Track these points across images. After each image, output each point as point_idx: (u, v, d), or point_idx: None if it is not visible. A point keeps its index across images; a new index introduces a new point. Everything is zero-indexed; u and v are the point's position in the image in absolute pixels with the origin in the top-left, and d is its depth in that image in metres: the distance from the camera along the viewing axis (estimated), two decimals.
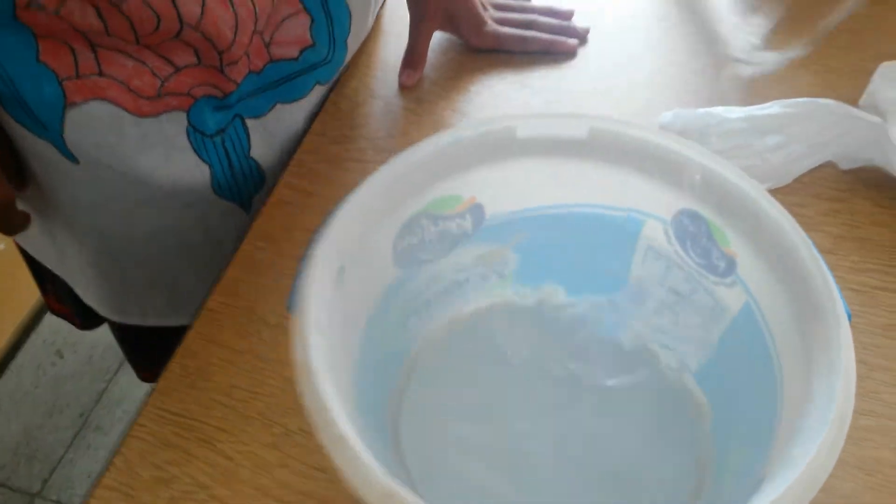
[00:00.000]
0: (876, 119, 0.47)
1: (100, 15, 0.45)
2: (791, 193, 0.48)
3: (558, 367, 0.38)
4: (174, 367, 0.42)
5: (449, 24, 0.57)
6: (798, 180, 0.48)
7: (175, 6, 0.44)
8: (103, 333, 0.76)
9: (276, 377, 0.41)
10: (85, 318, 0.71)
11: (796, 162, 0.48)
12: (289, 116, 0.54)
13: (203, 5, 0.45)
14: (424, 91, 0.55)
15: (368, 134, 0.53)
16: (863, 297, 0.43)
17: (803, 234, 0.30)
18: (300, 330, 0.27)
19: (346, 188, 0.48)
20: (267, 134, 0.54)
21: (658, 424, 0.36)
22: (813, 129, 0.48)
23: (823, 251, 0.31)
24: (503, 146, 0.34)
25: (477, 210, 0.36)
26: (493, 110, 0.53)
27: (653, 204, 0.35)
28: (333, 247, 0.30)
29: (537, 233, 0.37)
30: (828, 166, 0.48)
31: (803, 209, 0.47)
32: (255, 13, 0.47)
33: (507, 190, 0.36)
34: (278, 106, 0.53)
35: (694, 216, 0.34)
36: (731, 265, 0.33)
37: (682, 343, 0.37)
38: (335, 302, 0.30)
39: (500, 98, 0.54)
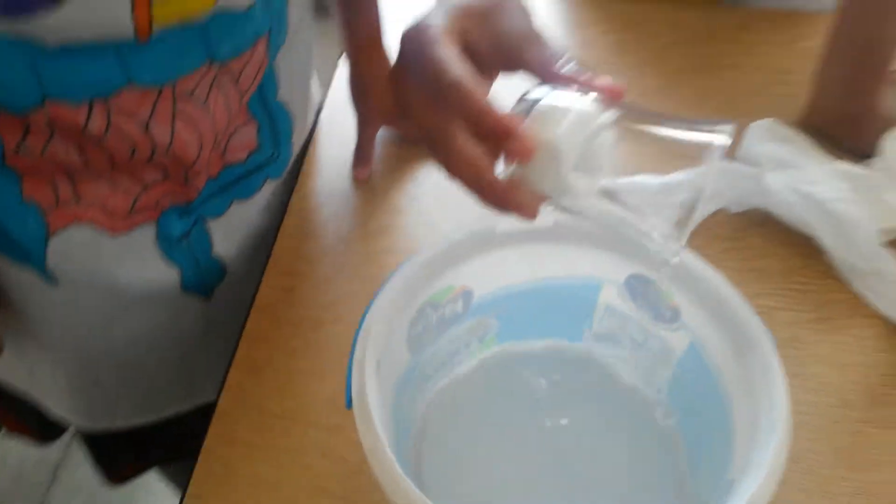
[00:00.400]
0: (753, 170, 0.58)
1: (81, 150, 0.49)
2: (695, 238, 0.57)
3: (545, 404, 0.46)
4: (200, 471, 0.46)
5: (391, 122, 0.64)
6: (699, 226, 0.58)
7: (149, 135, 0.49)
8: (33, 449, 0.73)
9: (295, 465, 0.46)
10: (44, 432, 0.73)
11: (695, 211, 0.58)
12: (245, 212, 0.60)
13: (172, 132, 0.50)
14: (377, 182, 0.62)
15: (335, 228, 0.59)
16: (765, 318, 0.53)
17: (732, 286, 0.39)
18: (366, 424, 0.33)
19: (324, 281, 0.54)
20: (227, 231, 0.59)
21: (636, 444, 0.44)
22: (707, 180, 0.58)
23: None
24: (486, 240, 0.42)
25: (467, 294, 0.43)
26: (439, 193, 0.61)
27: (607, 271, 0.43)
28: (372, 347, 0.36)
29: (514, 303, 0.45)
30: (721, 212, 0.59)
31: (707, 249, 0.56)
32: (217, 132, 0.53)
33: (490, 274, 0.43)
34: (235, 203, 0.58)
35: (642, 278, 0.42)
36: (676, 314, 0.42)
37: (641, 379, 0.46)
38: (377, 392, 0.36)
39: (440, 185, 0.62)
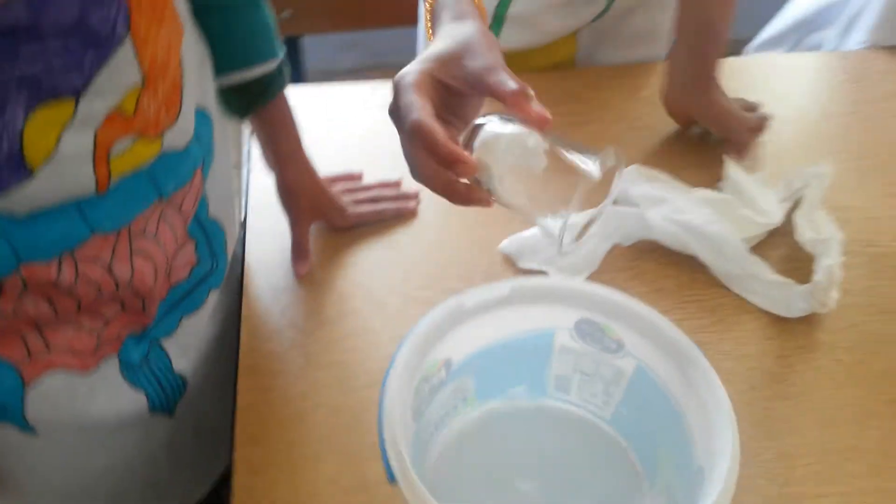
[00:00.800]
0: (635, 209, 0.69)
1: (51, 302, 0.51)
2: (601, 273, 0.68)
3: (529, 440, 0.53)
4: None
5: (319, 217, 0.70)
6: (603, 261, 0.69)
7: (112, 275, 0.52)
8: None
9: None
10: None
11: (597, 251, 0.69)
12: (195, 325, 0.63)
13: (132, 268, 0.54)
14: (318, 273, 0.68)
15: (290, 323, 0.64)
16: None
17: (661, 315, 0.49)
18: (419, 497, 0.39)
19: (295, 374, 0.59)
20: (181, 346, 0.62)
21: (597, 456, 0.53)
22: (600, 224, 0.69)
23: None
24: (459, 314, 0.49)
25: (448, 363, 0.50)
26: (378, 273, 0.67)
27: (559, 320, 0.52)
28: (394, 429, 0.42)
29: (486, 362, 0.52)
30: (616, 247, 0.70)
31: (614, 279, 0.67)
32: (167, 258, 0.57)
33: (464, 341, 0.50)
34: (184, 319, 0.62)
35: (588, 321, 0.51)
36: (620, 345, 0.51)
37: (593, 404, 0.54)
38: (413, 466, 0.42)
39: (377, 264, 0.69)
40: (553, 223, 0.46)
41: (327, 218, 0.70)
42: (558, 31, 0.88)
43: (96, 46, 0.43)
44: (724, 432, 0.43)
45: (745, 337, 0.62)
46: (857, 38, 0.99)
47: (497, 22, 0.85)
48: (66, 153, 0.45)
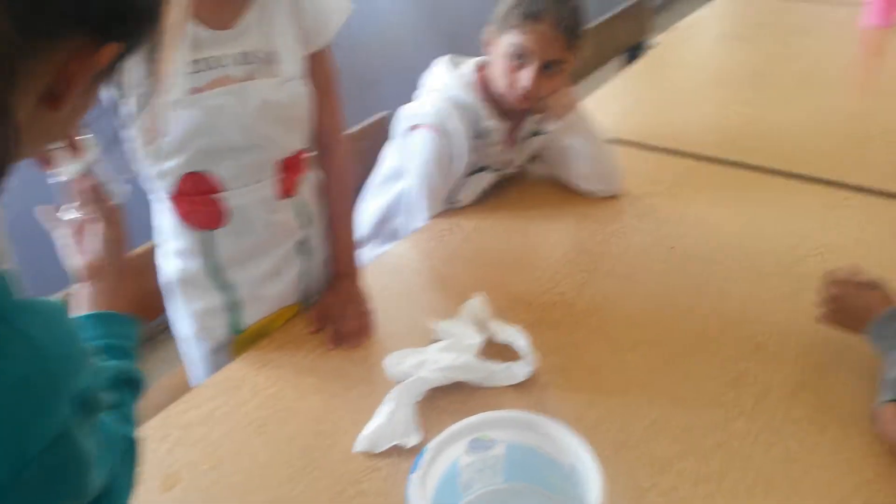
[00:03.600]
0: (415, 378, 1.08)
1: None
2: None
3: None
4: None
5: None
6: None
7: None
8: None
9: None
10: None
11: (407, 416, 1.05)
12: None
13: None
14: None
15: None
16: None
17: (523, 412, 0.89)
18: None
19: None
20: None
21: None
22: (399, 396, 1.05)
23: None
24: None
25: None
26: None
27: (457, 452, 0.87)
28: None
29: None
30: (440, 395, 1.07)
31: (459, 413, 1.04)
32: None
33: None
34: None
35: (474, 440, 0.88)
36: (492, 442, 0.89)
37: (480, 483, 0.91)
38: None
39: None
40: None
41: None
42: None
43: None
44: (572, 440, 0.85)
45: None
46: (421, 217, 1.54)
47: None
48: None
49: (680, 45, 2.56)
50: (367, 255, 1.59)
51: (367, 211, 1.63)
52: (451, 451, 0.87)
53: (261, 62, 1.11)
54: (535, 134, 1.59)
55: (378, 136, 1.78)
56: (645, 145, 1.82)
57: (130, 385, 0.77)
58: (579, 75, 2.28)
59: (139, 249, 1.29)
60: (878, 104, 1.98)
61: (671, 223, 1.49)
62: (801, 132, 1.85)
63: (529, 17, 1.38)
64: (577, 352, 1.16)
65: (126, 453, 0.71)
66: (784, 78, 2.19)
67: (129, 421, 0.74)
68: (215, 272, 1.20)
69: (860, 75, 2.25)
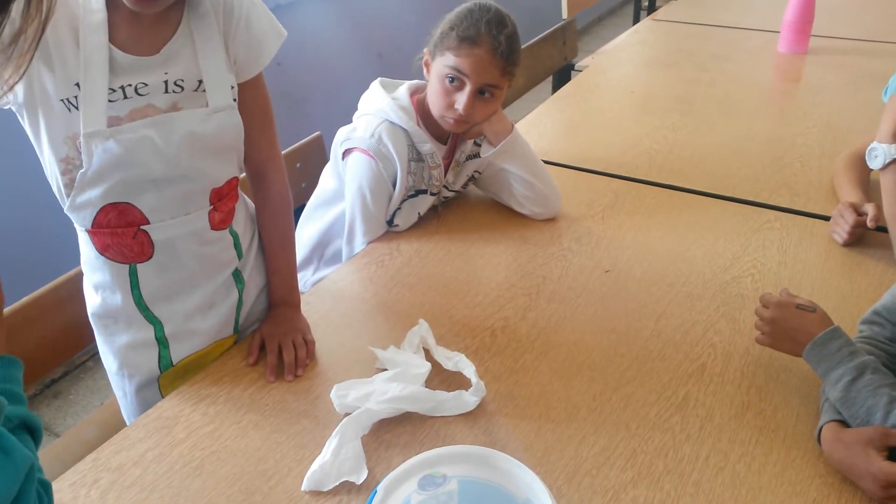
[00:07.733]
0: (362, 409, 1.04)
1: None
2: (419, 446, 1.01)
3: None
4: None
5: None
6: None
7: None
8: None
9: None
10: None
11: (356, 452, 1.02)
12: None
13: None
14: None
15: None
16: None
17: (461, 447, 0.87)
18: None
19: None
20: None
21: None
22: (345, 429, 1.02)
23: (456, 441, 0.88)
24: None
25: None
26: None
27: (411, 488, 0.85)
28: None
29: None
30: (388, 427, 1.04)
31: (412, 445, 1.01)
32: None
33: None
34: None
35: (424, 476, 0.85)
36: (444, 477, 0.87)
37: None
38: None
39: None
40: None
41: None
42: None
43: None
44: (525, 474, 0.83)
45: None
46: (360, 242, 1.51)
47: None
48: None
49: (607, 70, 2.62)
50: (304, 281, 1.55)
51: (304, 235, 1.59)
52: (403, 488, 0.85)
53: (187, 91, 1.05)
54: (472, 157, 1.58)
55: (312, 156, 1.75)
56: (578, 168, 1.85)
57: (33, 434, 0.71)
58: (509, 98, 2.31)
59: (66, 275, 1.22)
60: (795, 128, 2.06)
61: (607, 245, 1.51)
62: (725, 155, 1.91)
63: (466, 40, 1.38)
64: (524, 378, 1.15)
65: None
66: (707, 102, 2.26)
67: (40, 471, 0.68)
68: (138, 307, 1.14)
69: (778, 100, 2.35)
